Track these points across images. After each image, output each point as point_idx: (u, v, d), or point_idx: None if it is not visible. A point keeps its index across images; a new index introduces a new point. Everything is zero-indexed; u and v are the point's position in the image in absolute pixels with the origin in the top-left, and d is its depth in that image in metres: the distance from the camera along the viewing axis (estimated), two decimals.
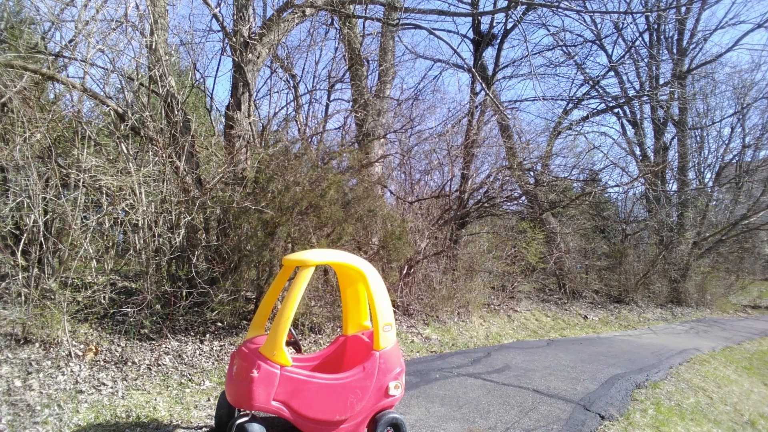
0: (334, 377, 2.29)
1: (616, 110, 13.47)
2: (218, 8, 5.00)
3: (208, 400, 3.01)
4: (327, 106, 7.01)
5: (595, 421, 3.11)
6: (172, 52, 5.06)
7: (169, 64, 4.54)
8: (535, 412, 3.17)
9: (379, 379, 2.35)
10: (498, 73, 10.51)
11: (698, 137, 15.24)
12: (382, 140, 7.20)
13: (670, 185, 13.97)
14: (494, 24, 9.97)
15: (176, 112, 4.33)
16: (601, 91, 12.65)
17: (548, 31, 11.18)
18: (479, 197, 8.10)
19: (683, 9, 7.67)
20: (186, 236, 4.14)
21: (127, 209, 3.80)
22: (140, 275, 4.14)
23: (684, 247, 12.78)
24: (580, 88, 12.52)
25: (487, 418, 2.99)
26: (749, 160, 14.79)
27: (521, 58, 11.73)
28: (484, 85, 7.11)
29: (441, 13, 6.33)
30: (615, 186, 12.90)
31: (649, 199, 12.44)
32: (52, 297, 3.31)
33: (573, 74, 13.41)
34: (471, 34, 10.37)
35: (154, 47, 4.24)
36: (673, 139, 14.20)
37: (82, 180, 3.51)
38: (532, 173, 9.81)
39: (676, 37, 13.62)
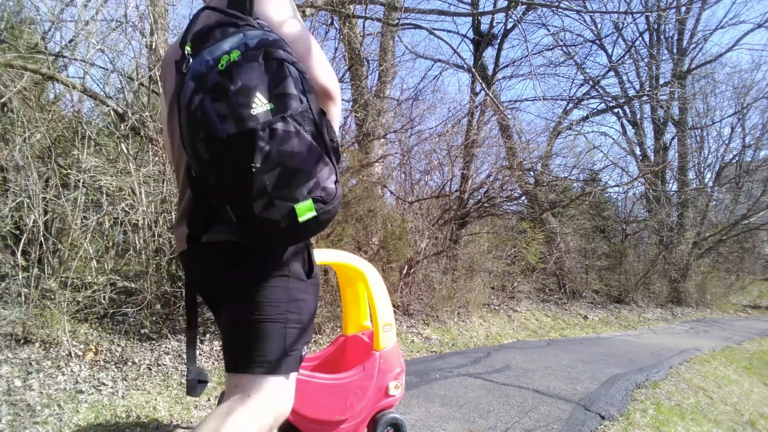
0: (334, 377, 2.29)
1: (616, 110, 13.47)
2: None
3: (208, 400, 3.01)
4: None
5: (595, 421, 3.11)
6: None
7: None
8: (535, 412, 3.16)
9: (379, 379, 2.34)
10: (498, 73, 10.50)
11: (698, 137, 15.25)
12: (382, 140, 7.20)
13: (670, 185, 13.97)
14: (494, 24, 9.97)
15: None
16: (601, 91, 12.65)
17: (548, 31, 11.18)
18: (479, 197, 8.10)
19: (683, 9, 7.66)
20: None
21: (127, 209, 3.80)
22: (140, 275, 4.14)
23: (684, 247, 12.78)
24: (580, 88, 12.53)
25: (488, 418, 2.99)
26: (749, 160, 14.79)
27: (521, 58, 11.74)
28: (484, 85, 7.11)
29: (441, 13, 6.33)
30: (615, 186, 12.91)
31: (649, 199, 12.44)
32: (52, 297, 3.31)
33: (573, 74, 13.46)
34: (471, 34, 10.37)
35: (154, 47, 4.24)
36: (673, 139, 14.20)
37: (82, 180, 3.51)
38: (532, 173, 9.81)
39: (676, 37, 13.62)
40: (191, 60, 0.95)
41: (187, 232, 1.06)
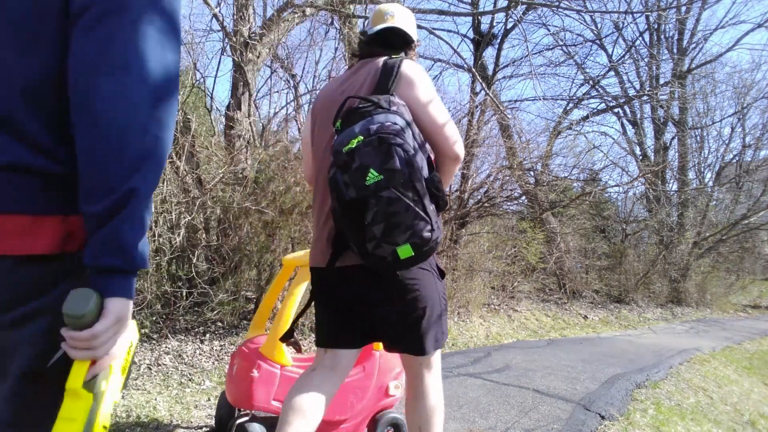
0: None
1: (616, 110, 13.46)
2: (218, 8, 5.00)
3: (208, 399, 3.01)
4: None
5: (595, 420, 3.11)
6: None
7: None
8: (535, 411, 3.17)
9: (379, 378, 2.35)
10: (498, 72, 10.50)
11: (698, 137, 15.25)
12: None
13: (670, 185, 13.97)
14: (494, 24, 9.97)
15: (176, 112, 4.33)
16: (601, 91, 12.64)
17: (548, 30, 11.19)
18: (479, 197, 8.09)
19: (683, 9, 7.66)
20: (186, 236, 4.14)
21: None
22: (140, 275, 4.14)
23: (684, 247, 12.77)
24: (580, 88, 12.50)
25: (487, 417, 2.99)
26: (749, 160, 14.80)
27: (521, 58, 11.73)
28: (484, 84, 7.11)
29: (441, 13, 6.33)
30: (615, 186, 12.90)
31: (649, 199, 12.43)
32: None
33: (573, 74, 13.41)
34: (471, 34, 10.36)
35: None
36: (673, 138, 14.20)
37: None
38: (532, 173, 9.80)
39: (676, 37, 13.63)
40: (337, 135, 1.35)
41: (331, 252, 1.44)
